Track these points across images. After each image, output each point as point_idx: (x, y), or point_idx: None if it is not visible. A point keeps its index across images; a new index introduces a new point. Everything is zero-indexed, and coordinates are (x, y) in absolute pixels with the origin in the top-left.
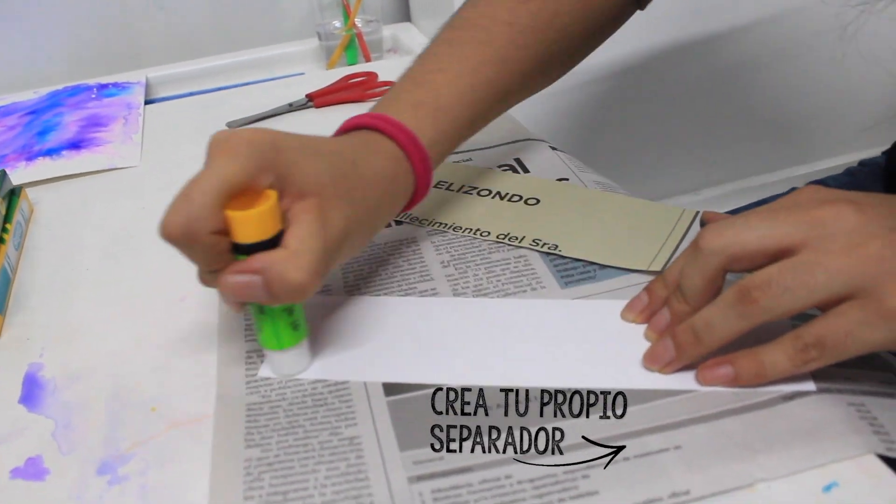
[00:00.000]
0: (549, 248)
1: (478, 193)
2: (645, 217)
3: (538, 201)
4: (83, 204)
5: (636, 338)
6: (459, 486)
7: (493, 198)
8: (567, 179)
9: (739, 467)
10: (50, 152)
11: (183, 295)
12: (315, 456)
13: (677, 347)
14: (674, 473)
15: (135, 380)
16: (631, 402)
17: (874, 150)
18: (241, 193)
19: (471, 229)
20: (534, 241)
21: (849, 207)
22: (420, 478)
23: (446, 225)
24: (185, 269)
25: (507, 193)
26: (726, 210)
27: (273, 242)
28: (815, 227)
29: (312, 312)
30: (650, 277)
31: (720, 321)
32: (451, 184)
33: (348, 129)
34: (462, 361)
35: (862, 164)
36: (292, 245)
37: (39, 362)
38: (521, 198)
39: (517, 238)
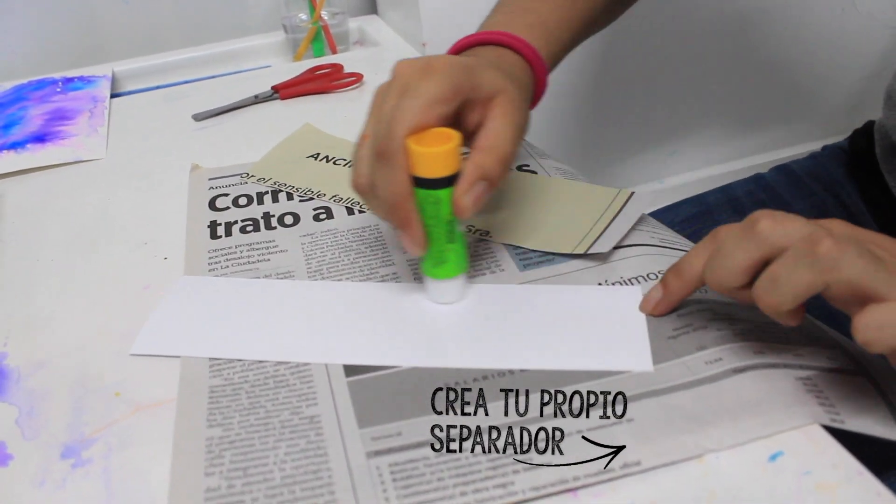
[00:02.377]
0: (480, 235)
1: None
2: (582, 200)
3: None
4: (48, 196)
5: (592, 320)
6: (416, 459)
7: None
8: (528, 165)
9: (689, 439)
10: (14, 146)
11: (146, 284)
12: (276, 434)
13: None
14: (625, 445)
15: (99, 367)
16: (585, 378)
17: (838, 138)
18: (426, 132)
19: None
20: (467, 226)
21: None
22: (378, 453)
23: None
24: (148, 259)
25: None
26: (687, 196)
27: (452, 179)
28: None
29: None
30: (606, 259)
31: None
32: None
33: (471, 44)
34: (419, 343)
35: (824, 148)
36: (489, 141)
37: (3, 352)
38: None
39: None
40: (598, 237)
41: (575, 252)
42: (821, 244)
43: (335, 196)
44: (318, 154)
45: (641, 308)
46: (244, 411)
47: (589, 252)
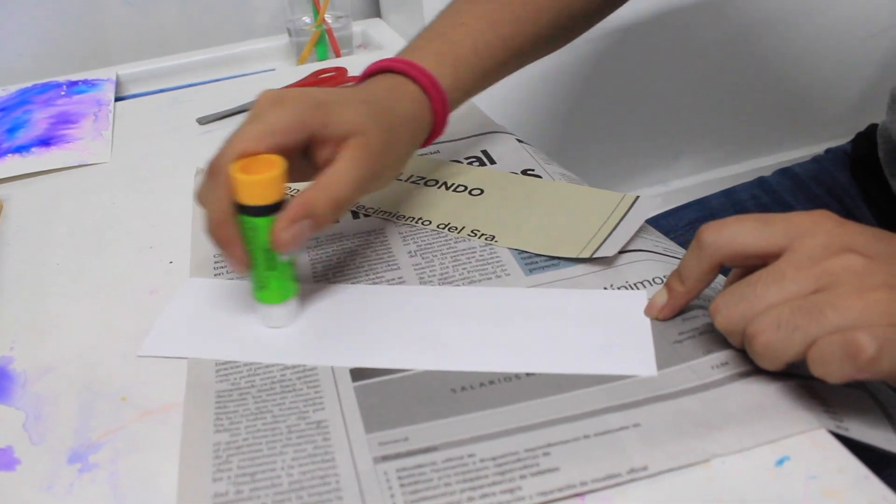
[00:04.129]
0: (486, 239)
1: (425, 184)
2: (586, 203)
3: (482, 192)
4: (53, 200)
5: (597, 324)
6: (424, 464)
7: (439, 188)
8: (533, 170)
9: (695, 444)
10: (20, 149)
11: (153, 288)
12: (283, 439)
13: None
14: (632, 450)
15: (106, 371)
16: (592, 382)
17: (840, 142)
18: (254, 161)
19: (413, 218)
20: (472, 231)
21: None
22: (385, 458)
23: (390, 213)
24: (153, 263)
25: (453, 184)
26: (691, 200)
27: (273, 209)
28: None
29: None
30: (612, 264)
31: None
32: (400, 174)
33: (374, 71)
34: (425, 347)
35: (828, 151)
36: (325, 180)
37: (10, 356)
38: (465, 188)
39: (457, 228)
40: (604, 241)
41: (580, 256)
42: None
43: None
44: None
45: (646, 312)
46: (251, 416)
47: (594, 256)
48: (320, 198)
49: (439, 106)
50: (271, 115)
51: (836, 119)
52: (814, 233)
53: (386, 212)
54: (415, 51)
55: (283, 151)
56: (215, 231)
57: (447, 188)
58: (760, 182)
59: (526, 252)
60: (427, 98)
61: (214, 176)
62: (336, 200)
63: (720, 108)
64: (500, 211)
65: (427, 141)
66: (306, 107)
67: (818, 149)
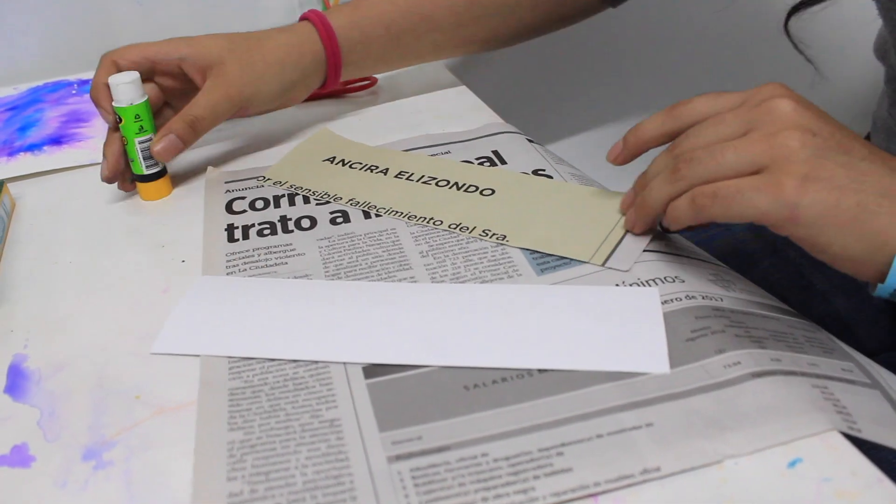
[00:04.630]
0: (497, 239)
1: (436, 184)
2: (597, 205)
3: (493, 192)
4: (65, 198)
5: (609, 321)
6: (437, 464)
7: (450, 188)
8: (544, 170)
9: (708, 444)
10: (31, 148)
11: (164, 287)
12: (296, 438)
13: (636, 216)
14: (645, 450)
15: (119, 369)
16: (605, 379)
17: None
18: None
19: (425, 218)
20: (483, 231)
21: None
22: (399, 457)
23: (401, 213)
24: (165, 262)
25: (465, 184)
26: None
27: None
28: (777, 151)
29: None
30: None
31: (657, 189)
32: (412, 174)
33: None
34: (437, 343)
35: None
36: (188, 107)
37: (24, 353)
38: (476, 188)
39: (468, 228)
40: (616, 247)
41: (592, 261)
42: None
43: (352, 199)
44: (335, 158)
45: (609, 158)
46: (264, 414)
47: (607, 266)
48: (179, 119)
49: (326, 37)
50: (152, 44)
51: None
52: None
53: (398, 212)
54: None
55: (159, 72)
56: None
57: (458, 188)
58: None
59: (538, 252)
60: (315, 29)
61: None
62: (192, 121)
63: None
64: (511, 211)
65: (324, 85)
66: (178, 39)
67: None
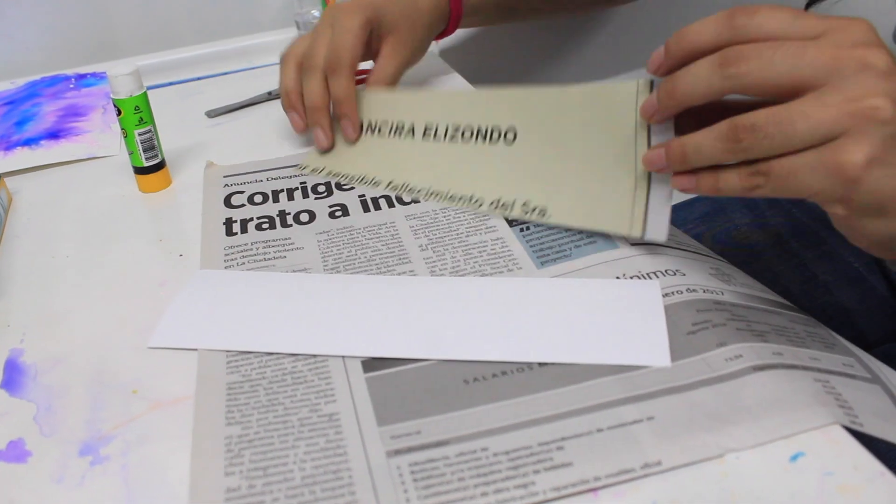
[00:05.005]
0: (538, 215)
1: (462, 137)
2: (611, 126)
3: (515, 137)
4: (62, 192)
5: (610, 314)
6: (436, 458)
7: (476, 142)
8: None
9: (709, 438)
10: (28, 142)
11: (162, 280)
12: (294, 432)
13: (668, 157)
14: (646, 444)
15: (116, 363)
16: (606, 373)
17: None
18: None
19: (466, 198)
20: (523, 205)
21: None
22: (398, 452)
23: (442, 196)
24: (163, 256)
25: (488, 130)
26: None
27: None
28: (834, 71)
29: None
30: (624, 254)
31: (707, 148)
32: (437, 129)
33: None
34: (437, 336)
35: None
36: (375, 75)
37: (20, 348)
38: (500, 134)
39: (508, 205)
40: (646, 215)
41: (630, 235)
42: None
43: (390, 183)
44: (362, 124)
45: (649, 69)
46: (262, 409)
47: (646, 239)
48: (374, 81)
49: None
50: (350, 21)
51: None
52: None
53: (437, 193)
54: None
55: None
56: (340, 107)
57: (484, 139)
58: None
59: (539, 245)
60: None
61: (334, 70)
62: (385, 80)
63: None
64: (540, 165)
65: (443, 33)
66: (368, 10)
67: None
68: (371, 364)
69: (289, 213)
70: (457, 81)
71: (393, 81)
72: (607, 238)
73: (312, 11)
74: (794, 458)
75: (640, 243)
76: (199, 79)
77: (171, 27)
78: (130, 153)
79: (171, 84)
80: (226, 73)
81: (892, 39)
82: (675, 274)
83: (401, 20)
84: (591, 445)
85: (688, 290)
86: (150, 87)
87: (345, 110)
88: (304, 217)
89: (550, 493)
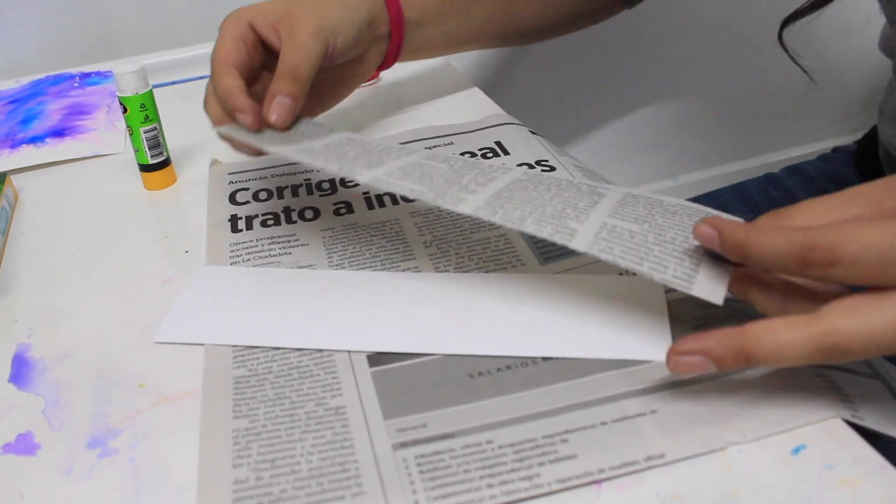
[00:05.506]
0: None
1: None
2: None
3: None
4: (68, 190)
5: (613, 309)
6: (442, 451)
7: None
8: (547, 161)
9: (712, 431)
10: (34, 140)
11: (167, 277)
12: (301, 425)
13: (721, 240)
14: (649, 437)
15: (122, 358)
16: (610, 367)
17: (846, 139)
18: None
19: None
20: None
21: None
22: (404, 444)
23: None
24: (169, 253)
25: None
26: (701, 193)
27: None
28: None
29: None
30: None
31: (771, 253)
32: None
33: None
34: (441, 331)
35: (835, 150)
36: (280, 68)
37: (27, 343)
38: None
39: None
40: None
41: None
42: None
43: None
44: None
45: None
46: (269, 402)
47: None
48: (277, 77)
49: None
50: (224, 48)
51: (844, 112)
52: None
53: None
54: None
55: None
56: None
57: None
58: (770, 178)
59: (542, 240)
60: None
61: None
62: (291, 71)
63: (729, 102)
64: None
65: (387, 56)
66: (237, 17)
67: (825, 144)
68: (376, 359)
69: (293, 210)
70: (468, 89)
71: (300, 69)
72: None
73: None
74: (796, 450)
75: None
76: (200, 78)
77: (170, 26)
78: (136, 150)
79: (173, 83)
80: None
81: (878, 49)
82: None
83: (290, 3)
84: (595, 438)
85: None
86: (155, 87)
87: (234, 105)
88: (309, 214)
89: (555, 484)
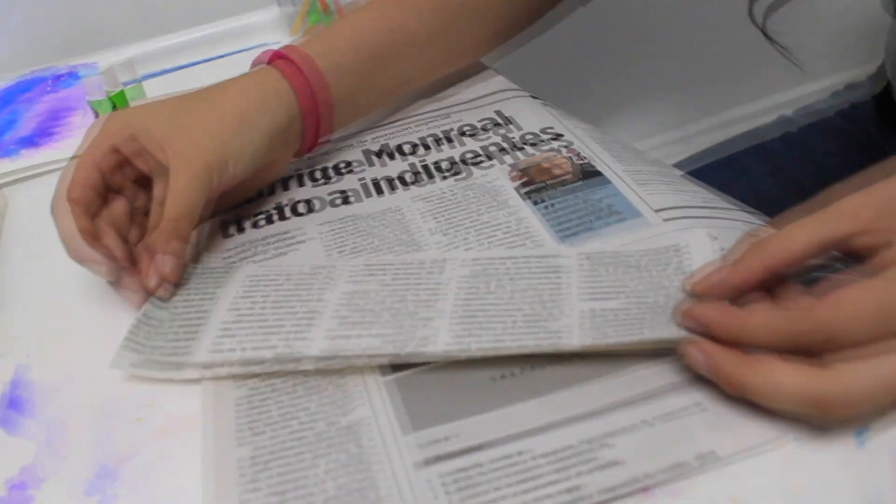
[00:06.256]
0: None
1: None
2: None
3: None
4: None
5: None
6: (469, 466)
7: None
8: (553, 128)
9: (768, 424)
10: (9, 151)
11: None
12: (312, 449)
13: (711, 322)
14: (698, 435)
15: (117, 387)
16: (648, 358)
17: (859, 72)
18: None
19: None
20: None
21: None
22: (427, 462)
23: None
24: None
25: None
26: (713, 144)
27: None
28: None
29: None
30: (655, 231)
31: (761, 335)
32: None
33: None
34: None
35: (848, 87)
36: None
37: (26, 363)
38: None
39: None
40: None
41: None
42: None
43: None
44: None
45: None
46: (275, 425)
47: None
48: (158, 233)
49: (307, 99)
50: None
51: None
52: None
53: None
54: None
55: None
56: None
57: None
58: (786, 132)
59: (557, 218)
60: (292, 89)
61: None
62: (173, 227)
63: (734, 42)
64: None
65: (309, 137)
66: (115, 118)
67: (837, 79)
68: (388, 366)
69: (286, 206)
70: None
71: (182, 223)
72: (634, 211)
73: None
74: (860, 433)
75: (673, 218)
76: (193, 64)
77: (147, 14)
78: None
79: (152, 76)
80: (208, 60)
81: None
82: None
83: (170, 127)
84: (640, 440)
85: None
86: (130, 83)
87: (79, 255)
88: (303, 208)
89: (600, 495)
